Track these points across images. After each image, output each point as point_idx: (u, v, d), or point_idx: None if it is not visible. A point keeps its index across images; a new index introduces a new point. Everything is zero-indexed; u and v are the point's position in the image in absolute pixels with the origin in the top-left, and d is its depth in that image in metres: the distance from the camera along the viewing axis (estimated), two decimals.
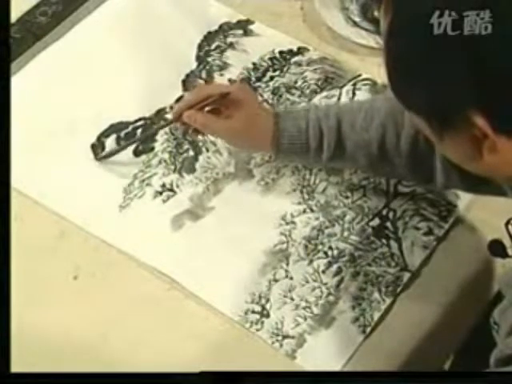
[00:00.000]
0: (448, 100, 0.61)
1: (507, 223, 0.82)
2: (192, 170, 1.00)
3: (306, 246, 0.93)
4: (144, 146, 1.02)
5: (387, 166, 0.88)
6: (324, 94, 1.06)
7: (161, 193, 0.98)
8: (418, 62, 0.61)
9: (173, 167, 1.00)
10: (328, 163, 0.91)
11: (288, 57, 1.10)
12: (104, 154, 1.00)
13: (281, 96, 1.06)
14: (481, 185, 0.84)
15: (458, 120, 0.61)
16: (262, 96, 1.06)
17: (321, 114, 0.89)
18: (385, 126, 0.86)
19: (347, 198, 0.97)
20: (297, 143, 0.89)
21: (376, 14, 1.15)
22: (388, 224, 0.94)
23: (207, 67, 1.09)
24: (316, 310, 0.88)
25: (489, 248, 0.87)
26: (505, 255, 0.84)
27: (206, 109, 0.91)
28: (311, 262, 0.92)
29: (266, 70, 1.09)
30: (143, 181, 0.99)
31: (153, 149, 1.02)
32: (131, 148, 1.01)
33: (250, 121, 0.91)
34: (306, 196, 0.97)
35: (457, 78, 0.59)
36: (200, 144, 1.02)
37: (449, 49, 0.58)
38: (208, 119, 0.91)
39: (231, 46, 1.12)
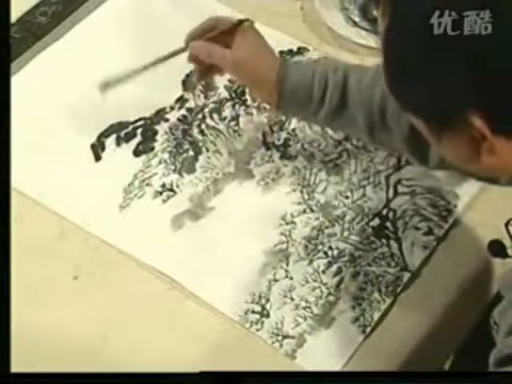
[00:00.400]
0: (447, 101, 0.61)
1: (507, 223, 0.82)
2: (192, 170, 1.00)
3: (306, 246, 0.93)
4: (144, 146, 1.02)
5: (385, 134, 0.86)
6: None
7: (161, 193, 0.98)
8: (417, 62, 0.61)
9: (173, 167, 1.00)
10: (327, 119, 0.88)
11: (288, 57, 1.10)
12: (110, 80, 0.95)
13: None
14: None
15: (457, 121, 0.61)
16: None
17: (329, 67, 0.88)
18: None
19: (347, 198, 0.97)
20: (300, 92, 0.87)
21: (375, 13, 1.16)
22: (388, 224, 0.94)
23: None
24: (316, 310, 0.88)
25: (488, 248, 0.87)
26: (505, 255, 0.84)
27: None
28: (311, 262, 0.92)
29: None
30: (143, 181, 0.99)
31: (153, 149, 1.02)
32: (131, 148, 1.01)
33: (256, 54, 0.89)
34: (306, 196, 0.97)
35: (456, 78, 0.59)
36: (200, 144, 1.02)
37: (448, 49, 0.58)
38: (214, 48, 0.89)
39: None
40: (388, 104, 0.84)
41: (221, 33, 0.89)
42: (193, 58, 0.91)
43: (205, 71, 0.93)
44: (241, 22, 0.89)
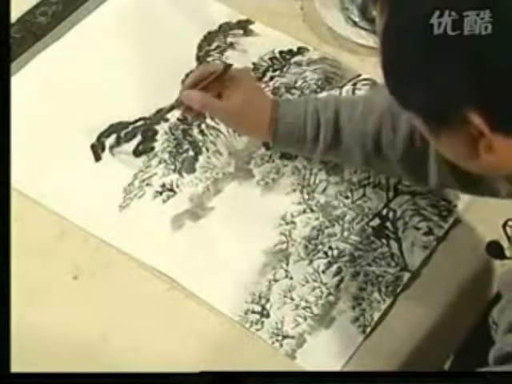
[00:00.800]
0: (446, 99, 0.61)
1: (504, 224, 0.82)
2: (192, 170, 1.00)
3: (306, 246, 0.93)
4: (144, 146, 1.02)
5: (382, 162, 0.88)
6: (324, 94, 1.06)
7: (161, 193, 0.98)
8: (416, 61, 0.61)
9: (173, 167, 1.00)
10: (323, 155, 0.91)
11: (288, 57, 1.10)
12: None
13: (281, 96, 1.06)
14: (475, 186, 0.84)
15: (455, 119, 0.61)
16: None
17: (320, 104, 0.89)
18: (382, 121, 0.86)
19: (347, 197, 0.97)
20: (294, 131, 0.89)
21: (375, 13, 1.16)
22: (388, 224, 0.94)
23: None
24: (316, 310, 0.88)
25: (486, 249, 0.87)
26: (502, 257, 0.84)
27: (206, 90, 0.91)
28: (311, 262, 0.92)
29: (266, 70, 1.09)
30: (143, 181, 0.99)
31: (153, 149, 1.02)
32: (131, 148, 1.01)
33: (248, 102, 0.90)
34: (306, 196, 0.97)
35: (455, 77, 0.59)
36: (200, 144, 1.02)
37: (448, 49, 0.58)
38: (206, 98, 0.90)
39: (231, 45, 1.12)
40: (381, 134, 0.86)
41: (212, 81, 0.90)
42: (186, 108, 0.92)
43: (197, 116, 0.95)
44: (230, 65, 0.91)
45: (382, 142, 0.86)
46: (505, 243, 0.83)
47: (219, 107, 0.90)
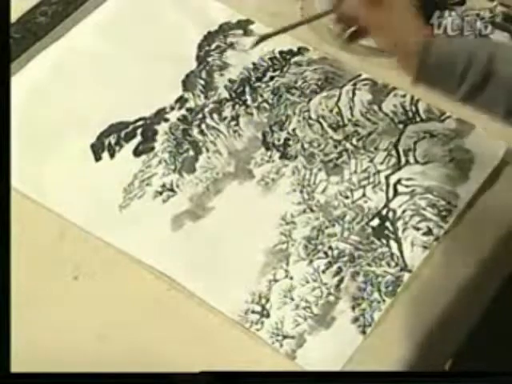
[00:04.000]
0: None
1: None
2: (192, 170, 1.00)
3: (305, 246, 0.93)
4: (144, 146, 1.02)
5: None
6: (324, 93, 1.06)
7: (161, 193, 0.98)
8: None
9: (173, 167, 1.00)
10: (465, 97, 0.86)
11: (288, 57, 1.10)
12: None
13: (281, 96, 1.06)
14: None
15: None
16: (262, 96, 1.06)
17: (475, 45, 0.87)
18: None
19: (347, 197, 0.97)
20: (443, 66, 0.86)
21: None
22: (388, 224, 0.94)
23: (207, 67, 1.09)
24: (316, 310, 0.88)
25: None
26: None
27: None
28: (311, 262, 0.92)
29: (266, 70, 1.09)
30: (143, 181, 0.99)
31: (153, 149, 1.02)
32: (131, 148, 1.01)
33: (402, 17, 0.88)
34: (306, 196, 0.97)
35: None
36: (200, 144, 1.02)
37: None
38: (364, 7, 0.89)
39: (231, 45, 1.12)
40: None
41: None
42: (342, 17, 0.93)
43: (352, 34, 0.94)
44: None
45: None
46: None
47: (375, 17, 0.89)
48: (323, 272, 0.91)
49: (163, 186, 0.98)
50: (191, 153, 1.01)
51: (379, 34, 0.91)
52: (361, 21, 0.91)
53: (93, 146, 1.02)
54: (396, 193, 0.97)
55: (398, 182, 0.97)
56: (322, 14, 0.97)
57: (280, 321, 0.88)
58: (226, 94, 1.07)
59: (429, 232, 0.93)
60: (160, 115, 1.04)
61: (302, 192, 0.97)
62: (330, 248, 0.93)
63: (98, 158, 1.01)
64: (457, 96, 0.88)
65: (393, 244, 0.93)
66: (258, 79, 1.08)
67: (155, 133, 1.03)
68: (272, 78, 1.08)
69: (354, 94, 1.06)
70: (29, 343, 0.84)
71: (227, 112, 1.04)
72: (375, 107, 1.04)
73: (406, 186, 0.97)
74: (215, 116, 1.04)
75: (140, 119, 1.04)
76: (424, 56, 0.85)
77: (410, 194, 0.96)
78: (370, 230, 0.94)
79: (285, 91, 1.06)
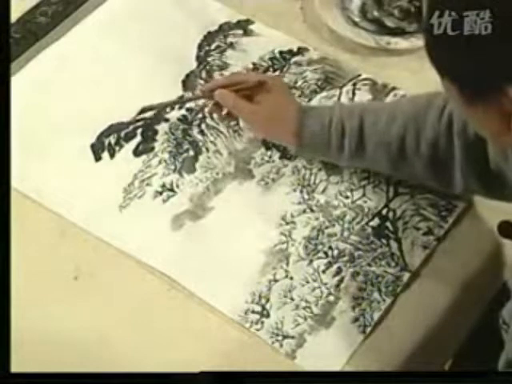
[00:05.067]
0: (487, 69, 0.59)
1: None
2: (192, 170, 1.00)
3: (305, 246, 0.93)
4: (144, 146, 1.02)
5: (408, 168, 0.89)
6: (324, 93, 1.06)
7: (161, 193, 0.98)
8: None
9: (173, 167, 1.00)
10: (348, 162, 0.93)
11: (288, 57, 1.10)
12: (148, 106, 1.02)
13: None
14: (500, 191, 0.84)
15: (492, 90, 0.60)
16: None
17: (345, 112, 0.91)
18: (406, 128, 0.87)
19: (347, 197, 0.97)
20: (318, 140, 0.91)
21: (376, 13, 1.16)
22: (388, 224, 0.94)
23: (207, 67, 1.09)
24: (316, 310, 0.88)
25: (498, 229, 0.88)
26: None
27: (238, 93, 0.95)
28: (311, 262, 0.92)
29: (266, 70, 1.09)
30: (143, 181, 0.99)
31: (153, 149, 1.02)
32: (131, 148, 1.01)
33: (276, 110, 0.94)
34: (306, 196, 0.97)
35: (500, 50, 0.58)
36: (200, 144, 1.02)
37: None
38: (237, 101, 0.94)
39: (231, 46, 1.12)
40: (406, 142, 0.87)
41: (245, 87, 0.95)
42: (215, 104, 0.98)
43: (226, 116, 1.00)
44: (263, 82, 0.96)
45: (407, 150, 0.87)
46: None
47: (249, 111, 0.95)
48: (323, 272, 0.91)
49: (163, 185, 0.98)
50: (191, 153, 1.01)
51: (254, 126, 0.98)
52: (236, 113, 0.97)
53: (93, 146, 1.02)
54: (396, 193, 0.97)
55: (399, 182, 0.97)
56: (191, 97, 1.02)
57: (280, 321, 0.88)
58: None
59: (429, 232, 0.93)
60: (160, 115, 1.04)
61: (301, 192, 0.97)
62: (330, 248, 0.93)
63: (97, 158, 1.01)
64: (342, 164, 0.95)
65: (393, 244, 0.93)
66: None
67: (155, 133, 1.03)
68: None
69: (353, 94, 1.06)
70: (29, 343, 0.84)
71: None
72: None
73: (407, 186, 0.97)
74: (215, 116, 1.04)
75: (140, 119, 1.04)
76: (299, 137, 0.92)
77: (410, 194, 0.96)
78: (369, 230, 0.94)
79: None
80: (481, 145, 0.82)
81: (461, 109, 0.67)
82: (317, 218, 0.95)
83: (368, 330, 0.87)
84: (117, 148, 1.02)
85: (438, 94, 0.90)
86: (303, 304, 0.89)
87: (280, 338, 0.87)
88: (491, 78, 0.60)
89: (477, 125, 0.69)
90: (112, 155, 1.01)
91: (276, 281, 0.91)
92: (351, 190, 0.97)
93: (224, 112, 0.99)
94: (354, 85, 1.07)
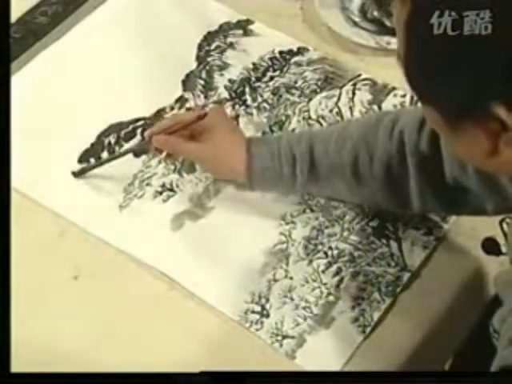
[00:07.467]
0: (470, 90, 0.58)
1: (501, 221, 0.82)
2: (192, 170, 1.00)
3: (305, 246, 0.93)
4: (144, 146, 1.02)
5: (364, 190, 0.89)
6: (324, 93, 1.06)
7: (161, 193, 0.98)
8: (441, 55, 0.58)
9: (173, 167, 1.00)
10: (304, 189, 0.92)
11: (288, 57, 1.10)
12: (80, 169, 0.98)
13: (281, 96, 1.06)
14: (458, 206, 0.84)
15: (477, 111, 0.58)
16: (261, 96, 1.06)
17: (293, 139, 0.90)
18: (357, 150, 0.87)
19: None
20: (270, 169, 0.90)
21: (375, 14, 1.16)
22: (388, 224, 0.94)
23: (207, 67, 1.09)
24: (316, 310, 0.88)
25: (482, 246, 0.87)
26: (498, 253, 0.84)
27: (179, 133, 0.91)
28: (311, 262, 0.92)
29: (266, 70, 1.09)
30: (143, 181, 0.99)
31: None
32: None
33: (221, 146, 0.92)
34: (306, 196, 0.97)
35: (485, 70, 0.56)
36: None
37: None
38: (177, 144, 0.91)
39: (231, 46, 1.12)
40: (358, 163, 0.87)
41: (185, 126, 0.91)
42: (157, 149, 0.94)
43: (169, 157, 0.95)
44: (204, 115, 0.91)
45: (360, 171, 0.87)
46: (501, 240, 0.83)
47: (191, 151, 0.92)
48: (323, 272, 0.91)
49: (163, 185, 0.98)
50: None
51: (201, 164, 0.97)
52: (179, 155, 0.94)
53: (93, 146, 1.02)
54: None
55: None
56: (135, 150, 0.98)
57: (280, 321, 0.88)
58: (225, 94, 1.07)
59: (429, 232, 0.93)
60: (160, 115, 1.04)
61: None
62: (330, 248, 0.93)
63: (97, 158, 1.01)
64: (297, 193, 0.94)
65: (393, 244, 0.93)
66: (258, 79, 1.08)
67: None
68: (272, 78, 1.08)
69: (353, 93, 1.06)
70: (29, 343, 0.84)
71: (227, 112, 1.04)
72: (375, 107, 1.04)
73: None
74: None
75: (140, 119, 1.04)
76: (250, 173, 0.91)
77: None
78: (369, 230, 0.94)
79: (285, 91, 1.06)
80: (435, 160, 0.82)
81: (446, 136, 0.66)
82: (316, 218, 0.95)
83: (368, 330, 0.87)
84: (117, 148, 1.02)
85: (387, 113, 0.91)
86: (303, 304, 0.89)
87: (280, 337, 0.87)
88: (475, 97, 0.58)
89: (462, 148, 0.65)
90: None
91: (276, 281, 0.91)
92: None
93: (163, 155, 0.94)
94: (354, 85, 1.07)
